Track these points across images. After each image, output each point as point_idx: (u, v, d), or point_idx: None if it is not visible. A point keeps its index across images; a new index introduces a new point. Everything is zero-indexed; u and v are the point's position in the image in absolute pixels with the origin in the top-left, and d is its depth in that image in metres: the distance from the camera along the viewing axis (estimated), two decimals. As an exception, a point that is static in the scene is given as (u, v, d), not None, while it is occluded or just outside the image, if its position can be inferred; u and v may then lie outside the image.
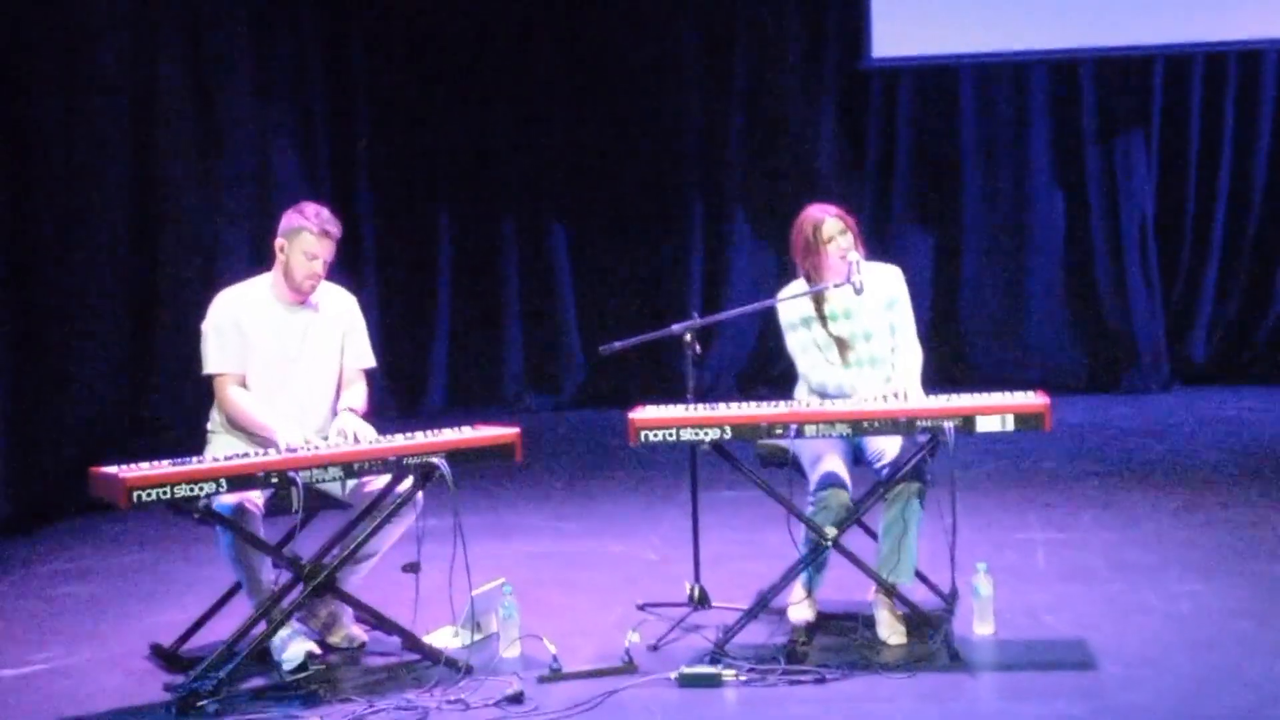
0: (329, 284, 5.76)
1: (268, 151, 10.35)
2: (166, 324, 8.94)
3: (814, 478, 5.63)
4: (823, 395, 5.78)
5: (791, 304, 5.85)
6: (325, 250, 5.60)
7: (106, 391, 8.67)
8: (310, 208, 5.65)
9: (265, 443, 5.42)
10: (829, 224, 5.79)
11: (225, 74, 9.80)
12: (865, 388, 5.62)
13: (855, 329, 5.81)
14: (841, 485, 5.59)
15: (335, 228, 5.62)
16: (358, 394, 5.73)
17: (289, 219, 5.63)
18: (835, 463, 5.64)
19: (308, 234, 5.57)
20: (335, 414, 5.65)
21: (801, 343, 5.85)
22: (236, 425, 5.58)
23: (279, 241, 5.62)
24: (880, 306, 5.85)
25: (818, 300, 5.82)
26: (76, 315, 8.46)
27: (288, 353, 5.64)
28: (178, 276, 9.11)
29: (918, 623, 5.52)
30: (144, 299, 8.99)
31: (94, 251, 8.60)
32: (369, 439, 5.40)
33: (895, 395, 5.51)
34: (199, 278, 9.05)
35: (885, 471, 5.62)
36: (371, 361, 5.85)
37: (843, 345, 5.81)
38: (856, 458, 5.79)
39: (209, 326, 5.64)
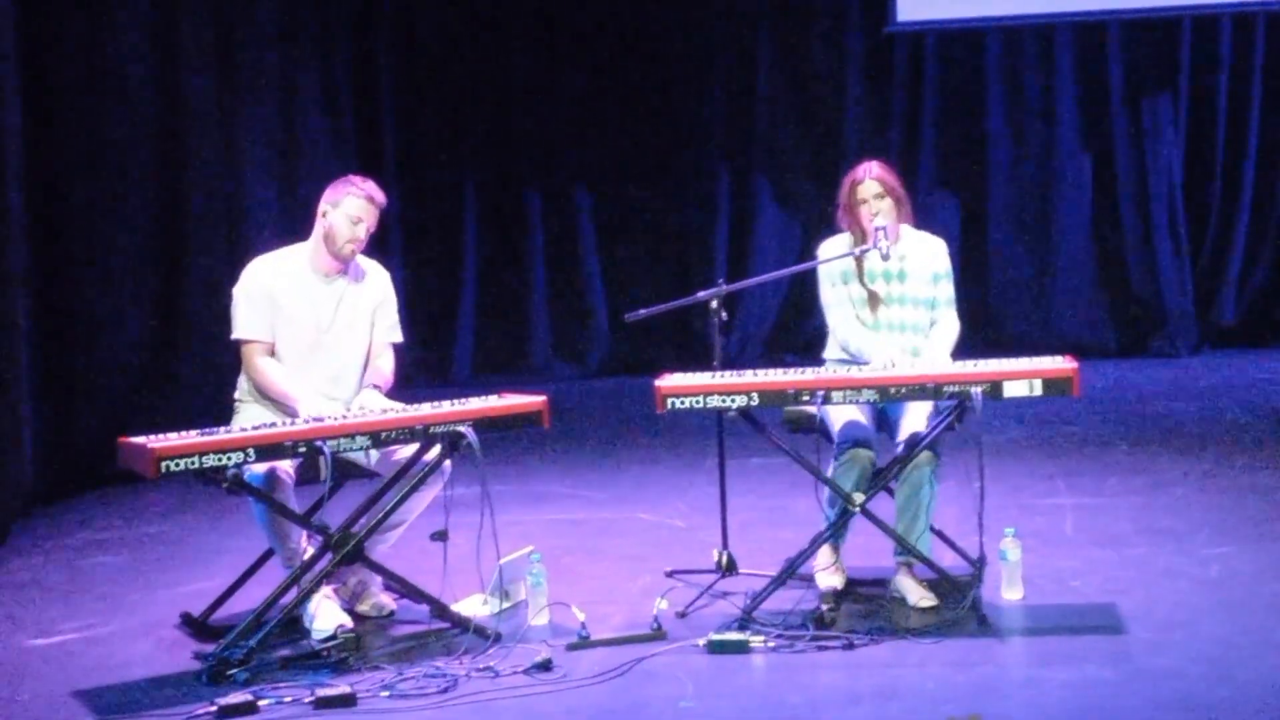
0: (363, 257, 5.77)
1: (294, 122, 10.32)
2: (193, 294, 8.95)
3: (836, 436, 5.63)
4: (845, 352, 5.77)
5: (834, 260, 5.83)
6: (370, 216, 5.63)
7: (134, 362, 8.68)
8: (357, 178, 5.70)
9: (292, 412, 5.43)
10: (866, 185, 5.77)
11: (251, 42, 9.78)
12: (885, 352, 5.60)
13: (892, 292, 5.80)
14: (865, 444, 5.58)
15: (381, 197, 5.68)
16: (384, 367, 5.74)
17: (335, 186, 5.66)
18: (859, 422, 5.64)
19: (354, 197, 5.60)
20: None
21: (836, 298, 5.84)
22: (262, 393, 5.60)
23: (322, 207, 5.64)
24: (925, 279, 5.83)
25: (859, 258, 5.81)
26: (103, 287, 8.47)
27: (320, 323, 5.64)
28: (204, 248, 9.11)
29: (946, 588, 5.52)
30: (171, 270, 8.99)
31: (120, 222, 8.60)
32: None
33: (922, 362, 5.50)
34: (225, 249, 9.05)
35: (901, 447, 5.60)
36: (399, 337, 5.85)
37: (875, 301, 5.79)
38: (880, 425, 5.77)
39: (240, 292, 5.65)
